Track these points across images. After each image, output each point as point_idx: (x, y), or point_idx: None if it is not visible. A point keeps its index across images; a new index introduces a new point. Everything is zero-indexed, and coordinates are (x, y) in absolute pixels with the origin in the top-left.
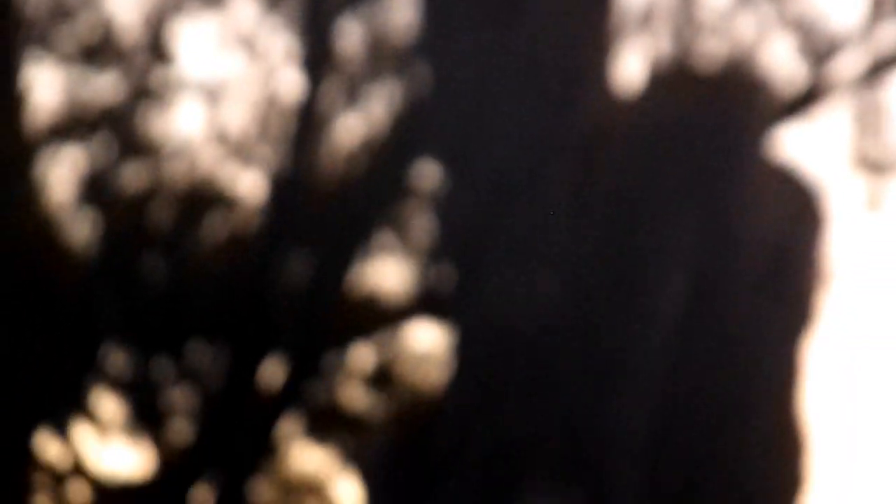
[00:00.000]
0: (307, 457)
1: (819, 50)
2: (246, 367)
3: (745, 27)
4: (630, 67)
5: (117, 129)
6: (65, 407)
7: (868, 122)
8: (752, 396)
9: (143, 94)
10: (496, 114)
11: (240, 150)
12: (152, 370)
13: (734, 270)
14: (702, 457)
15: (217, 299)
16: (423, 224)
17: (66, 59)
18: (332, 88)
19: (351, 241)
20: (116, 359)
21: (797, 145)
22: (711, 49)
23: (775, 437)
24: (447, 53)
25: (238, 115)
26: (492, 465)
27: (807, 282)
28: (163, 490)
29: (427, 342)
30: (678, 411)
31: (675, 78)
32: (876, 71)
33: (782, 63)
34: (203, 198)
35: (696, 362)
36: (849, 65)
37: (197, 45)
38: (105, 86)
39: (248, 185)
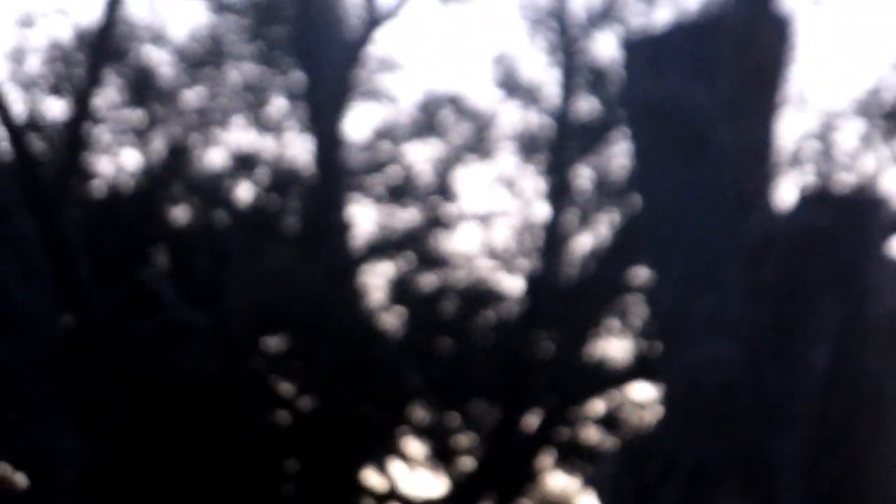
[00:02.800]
0: (558, 481)
1: None
2: (512, 417)
3: (869, 162)
4: (786, 192)
5: (417, 248)
6: (383, 449)
7: None
8: (880, 436)
9: (435, 222)
10: (689, 229)
11: (505, 261)
12: (445, 421)
13: (864, 340)
14: (843, 478)
15: (490, 368)
16: (637, 311)
17: (379, 198)
18: (570, 214)
19: (586, 324)
20: (419, 413)
21: None
22: (844, 178)
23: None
24: (652, 186)
25: (503, 236)
26: (692, 484)
27: None
28: None
29: (643, 395)
30: (825, 445)
31: (818, 199)
32: None
33: None
34: (479, 295)
35: (837, 409)
36: None
37: (473, 186)
38: (407, 217)
39: (511, 285)
